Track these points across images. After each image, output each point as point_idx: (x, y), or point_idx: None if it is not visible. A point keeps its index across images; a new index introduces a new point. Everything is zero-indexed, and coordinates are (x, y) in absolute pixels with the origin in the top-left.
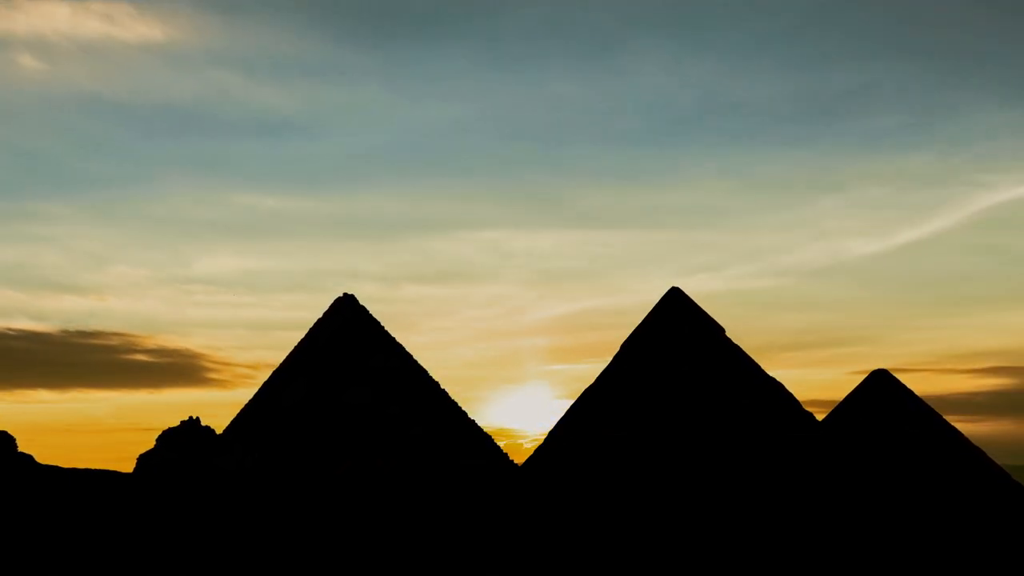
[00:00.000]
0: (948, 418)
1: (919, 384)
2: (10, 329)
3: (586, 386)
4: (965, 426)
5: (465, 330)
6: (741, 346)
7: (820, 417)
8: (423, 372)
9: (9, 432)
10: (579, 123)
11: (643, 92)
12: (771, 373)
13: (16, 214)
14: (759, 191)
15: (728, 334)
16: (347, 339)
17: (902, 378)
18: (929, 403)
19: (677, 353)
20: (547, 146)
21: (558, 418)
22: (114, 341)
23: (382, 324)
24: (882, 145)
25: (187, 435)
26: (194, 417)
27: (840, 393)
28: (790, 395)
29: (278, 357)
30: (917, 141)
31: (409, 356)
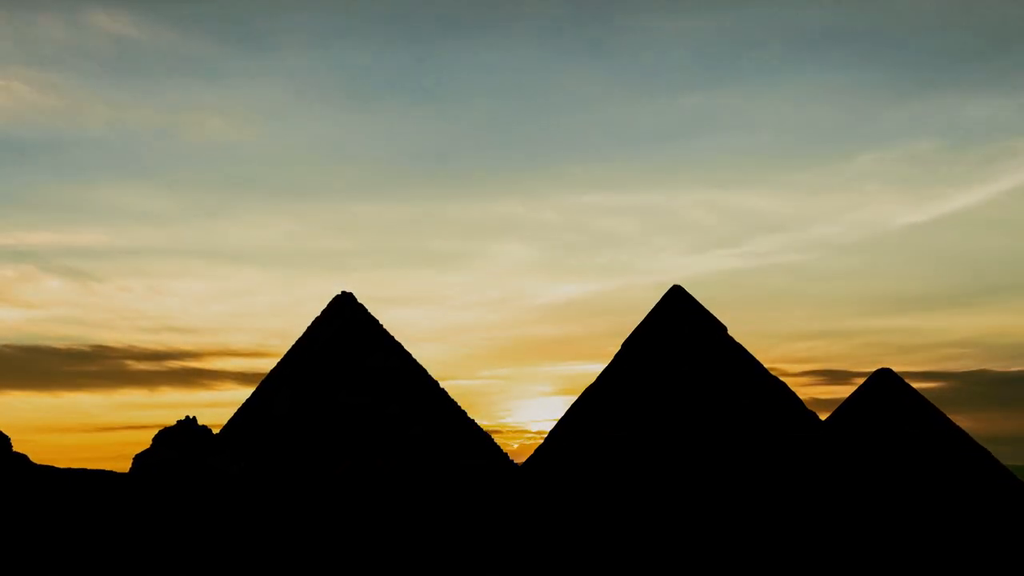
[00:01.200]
0: None
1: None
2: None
3: (586, 385)
4: None
5: (462, 315)
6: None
7: (823, 416)
8: (422, 371)
9: (4, 432)
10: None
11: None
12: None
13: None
14: (784, 145)
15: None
16: (346, 338)
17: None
18: None
19: (678, 352)
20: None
21: (556, 417)
22: (114, 347)
23: (381, 323)
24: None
25: (184, 434)
26: (191, 416)
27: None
28: (793, 394)
29: (277, 357)
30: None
31: (408, 355)
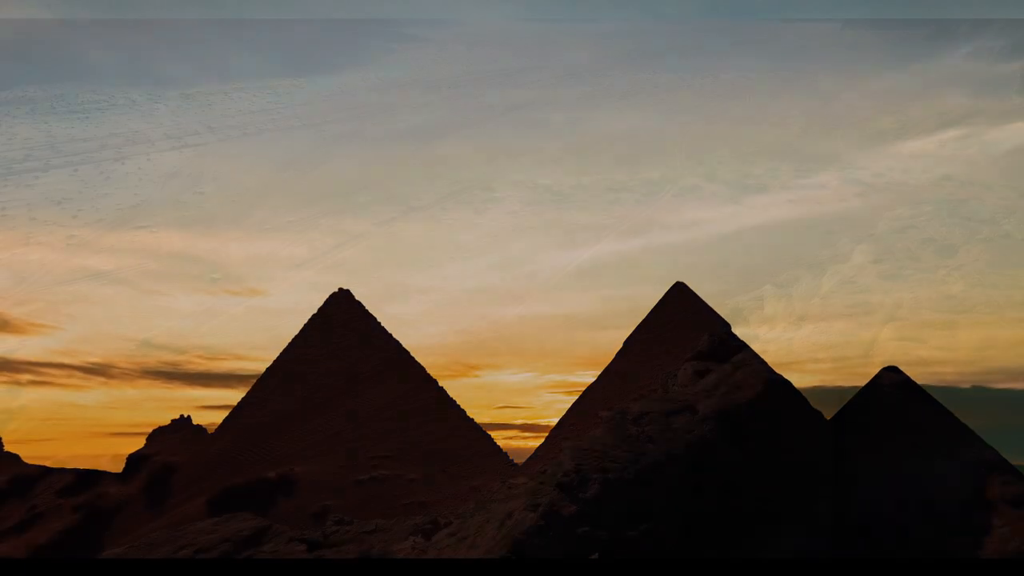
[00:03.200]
0: None
1: None
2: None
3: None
4: None
5: (457, 295)
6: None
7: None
8: (421, 370)
9: None
10: None
11: None
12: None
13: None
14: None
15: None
16: (343, 334)
17: None
18: None
19: (681, 351)
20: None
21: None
22: (111, 347)
23: (378, 319)
24: None
25: (178, 434)
26: (186, 415)
27: None
28: (796, 392)
29: (274, 353)
30: None
31: (406, 352)
